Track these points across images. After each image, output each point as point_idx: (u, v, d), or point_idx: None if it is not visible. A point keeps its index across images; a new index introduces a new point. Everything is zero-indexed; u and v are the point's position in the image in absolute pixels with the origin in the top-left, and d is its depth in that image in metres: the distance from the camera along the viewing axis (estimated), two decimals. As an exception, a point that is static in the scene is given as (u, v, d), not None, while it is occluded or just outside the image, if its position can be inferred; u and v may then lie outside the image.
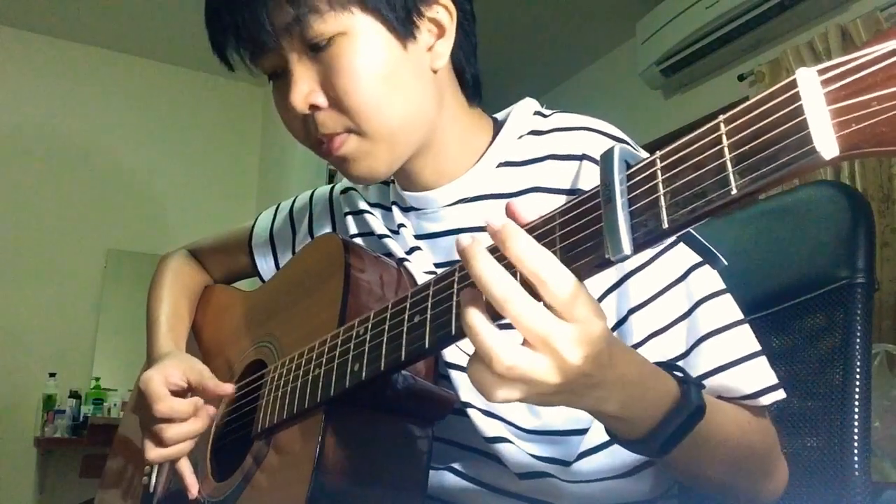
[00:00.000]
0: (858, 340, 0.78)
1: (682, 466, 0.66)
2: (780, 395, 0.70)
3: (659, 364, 0.59)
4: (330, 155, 0.76)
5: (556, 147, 0.78)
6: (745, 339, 0.70)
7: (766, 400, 0.69)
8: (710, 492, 0.71)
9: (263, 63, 0.75)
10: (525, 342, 0.48)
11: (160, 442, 0.80)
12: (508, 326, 0.48)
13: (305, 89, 0.72)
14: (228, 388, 0.83)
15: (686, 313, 0.70)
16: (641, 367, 0.56)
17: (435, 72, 0.77)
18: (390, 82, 0.72)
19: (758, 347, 0.70)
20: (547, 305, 0.47)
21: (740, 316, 0.71)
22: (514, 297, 0.47)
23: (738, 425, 0.68)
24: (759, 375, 0.69)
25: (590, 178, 0.74)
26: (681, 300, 0.71)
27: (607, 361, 0.50)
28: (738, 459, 0.68)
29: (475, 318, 0.49)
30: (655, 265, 0.71)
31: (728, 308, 0.71)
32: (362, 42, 0.71)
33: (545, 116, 0.83)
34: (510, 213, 0.52)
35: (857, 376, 0.77)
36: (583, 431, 0.74)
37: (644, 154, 0.78)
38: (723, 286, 0.72)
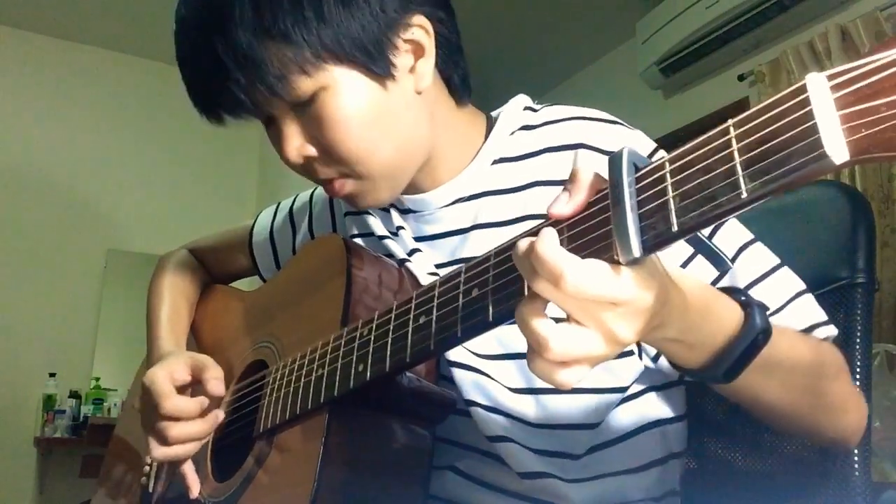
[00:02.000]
0: (858, 340, 0.78)
1: (751, 395, 0.64)
2: (833, 330, 0.69)
3: (721, 289, 0.58)
4: (334, 195, 0.77)
5: (551, 139, 0.78)
6: (789, 280, 0.70)
7: (820, 334, 0.69)
8: (787, 426, 0.69)
9: (253, 117, 0.75)
10: (569, 318, 0.47)
11: (164, 441, 0.80)
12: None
13: (296, 143, 0.73)
14: (218, 389, 0.81)
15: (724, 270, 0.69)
16: (701, 294, 0.55)
17: (419, 92, 0.75)
18: (378, 125, 0.72)
19: (803, 286, 0.70)
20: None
21: (777, 260, 0.71)
22: (547, 288, 0.45)
23: (805, 348, 0.66)
24: (808, 312, 0.69)
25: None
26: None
27: (661, 309, 0.49)
28: (810, 384, 0.66)
29: (524, 309, 0.48)
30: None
31: (763, 255, 0.71)
32: (343, 93, 0.70)
33: (535, 111, 0.83)
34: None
35: (857, 376, 0.77)
36: (590, 426, 0.74)
37: (640, 136, 0.77)
38: (752, 235, 0.71)
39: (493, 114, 0.86)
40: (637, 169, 0.45)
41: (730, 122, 0.41)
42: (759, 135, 0.39)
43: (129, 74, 4.16)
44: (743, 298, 0.58)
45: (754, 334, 0.56)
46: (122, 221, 4.04)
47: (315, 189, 1.03)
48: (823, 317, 0.70)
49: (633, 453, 0.73)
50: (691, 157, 0.42)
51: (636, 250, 0.43)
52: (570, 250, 0.47)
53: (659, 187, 0.43)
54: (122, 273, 3.93)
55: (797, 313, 0.69)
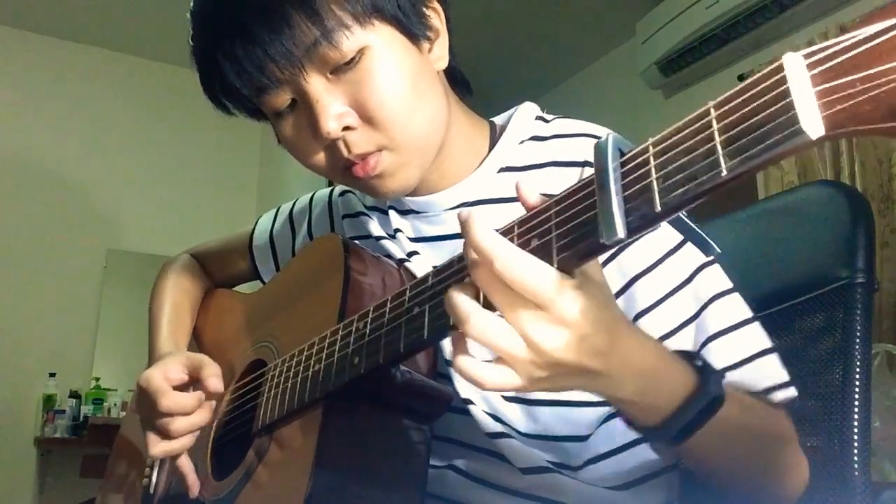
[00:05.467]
0: (858, 340, 0.78)
1: (699, 456, 0.65)
2: (792, 392, 0.69)
3: (680, 353, 0.59)
4: (361, 177, 0.74)
5: (558, 154, 0.78)
6: (756, 337, 0.70)
7: (778, 396, 0.69)
8: (727, 485, 0.70)
9: (270, 99, 0.72)
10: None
11: (165, 435, 0.79)
12: None
13: (338, 110, 0.70)
14: (216, 386, 0.80)
15: (694, 315, 0.70)
16: (657, 356, 0.56)
17: (437, 73, 0.77)
18: (416, 90, 0.72)
19: (768, 344, 0.70)
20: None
21: (749, 314, 0.71)
22: (481, 272, 0.48)
23: (756, 416, 0.67)
24: (770, 372, 0.69)
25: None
26: (688, 302, 0.70)
27: (606, 349, 0.50)
28: (755, 451, 0.67)
29: (455, 292, 0.49)
30: (661, 268, 0.71)
31: (737, 307, 0.71)
32: (387, 53, 0.70)
33: (547, 122, 0.83)
34: (520, 194, 0.52)
35: (857, 376, 0.77)
36: (581, 438, 0.74)
37: None
38: (730, 285, 0.72)
39: (496, 120, 0.86)
40: (622, 154, 0.46)
41: (710, 103, 0.42)
42: (738, 114, 0.40)
43: (129, 74, 4.16)
44: (699, 363, 0.59)
45: (707, 400, 0.57)
46: (122, 221, 4.04)
47: (315, 193, 1.03)
48: (785, 377, 0.69)
49: (629, 466, 0.73)
50: (674, 139, 0.43)
51: (621, 231, 0.44)
52: (557, 235, 0.48)
53: (643, 170, 0.44)
54: (122, 273, 3.94)
55: (758, 372, 0.69)
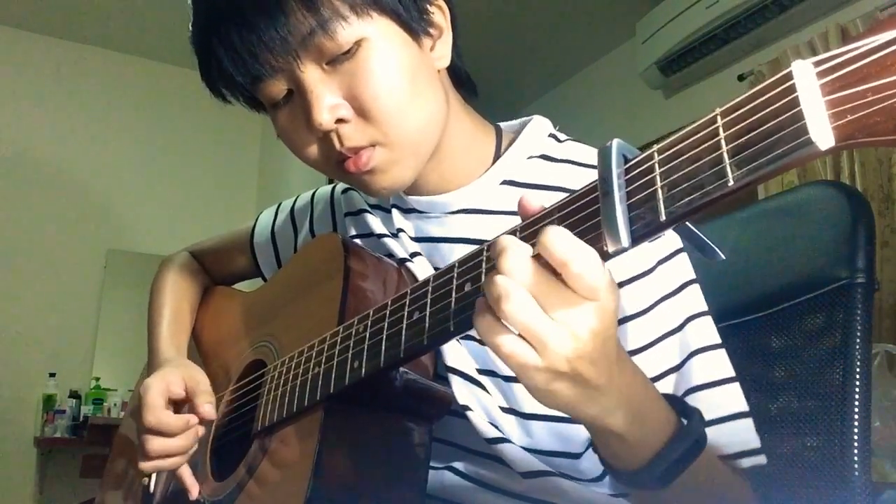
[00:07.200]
0: (858, 340, 0.78)
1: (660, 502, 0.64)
2: (761, 460, 0.68)
3: (661, 395, 0.59)
4: (353, 172, 0.72)
5: (571, 180, 0.77)
6: (734, 398, 0.69)
7: (746, 463, 0.68)
8: None
9: (266, 89, 0.72)
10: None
11: (145, 454, 0.79)
12: None
13: (331, 102, 0.69)
14: (210, 413, 0.80)
15: (679, 364, 0.70)
16: (646, 387, 0.55)
17: (438, 72, 0.76)
18: (413, 85, 0.71)
19: (745, 408, 0.69)
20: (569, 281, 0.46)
21: (732, 373, 0.70)
22: (518, 255, 0.46)
23: (721, 471, 0.66)
24: (742, 437, 0.68)
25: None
26: (674, 351, 0.70)
27: (615, 362, 0.49)
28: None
29: (499, 274, 0.47)
30: (653, 313, 0.70)
31: (720, 363, 0.70)
32: (384, 46, 0.69)
33: (559, 141, 0.82)
34: (522, 206, 0.51)
35: (857, 376, 0.77)
36: (574, 455, 0.73)
37: None
38: (718, 340, 0.71)
39: (504, 126, 0.85)
40: (626, 160, 0.45)
41: (717, 110, 0.41)
42: (746, 122, 0.39)
43: (129, 74, 4.16)
44: (680, 406, 0.58)
45: (692, 439, 0.56)
46: (122, 221, 4.04)
47: (316, 190, 1.03)
48: (756, 444, 0.68)
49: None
50: (680, 146, 0.42)
51: (625, 240, 0.43)
52: None
53: (647, 178, 0.43)
54: (122, 273, 3.94)
55: (732, 434, 0.67)
